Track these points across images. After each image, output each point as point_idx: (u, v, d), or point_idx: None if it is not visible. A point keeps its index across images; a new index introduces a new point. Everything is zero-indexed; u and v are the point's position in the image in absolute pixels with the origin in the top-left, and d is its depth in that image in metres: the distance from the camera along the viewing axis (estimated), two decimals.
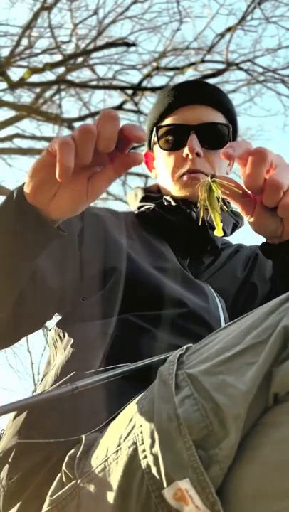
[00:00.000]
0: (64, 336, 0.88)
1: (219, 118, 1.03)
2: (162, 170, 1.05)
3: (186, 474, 0.47)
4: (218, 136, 1.00)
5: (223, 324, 0.85)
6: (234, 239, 1.13)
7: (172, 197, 1.00)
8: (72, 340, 0.84)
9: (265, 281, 1.00)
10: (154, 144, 1.06)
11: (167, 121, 1.03)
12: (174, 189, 1.00)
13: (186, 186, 0.98)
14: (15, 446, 0.70)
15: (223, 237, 1.05)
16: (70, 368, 0.77)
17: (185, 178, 0.98)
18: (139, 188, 1.12)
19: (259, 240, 0.81)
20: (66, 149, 0.59)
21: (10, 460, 0.69)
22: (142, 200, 1.07)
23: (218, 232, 0.74)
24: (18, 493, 0.66)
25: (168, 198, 1.00)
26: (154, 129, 1.04)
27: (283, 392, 0.47)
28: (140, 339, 0.80)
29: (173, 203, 0.99)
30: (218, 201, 0.71)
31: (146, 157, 1.13)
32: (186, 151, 0.97)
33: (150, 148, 1.11)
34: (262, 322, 0.51)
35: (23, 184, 0.68)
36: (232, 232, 1.07)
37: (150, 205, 1.02)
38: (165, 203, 1.00)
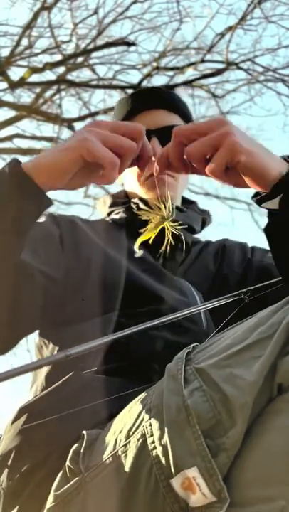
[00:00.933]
0: (49, 342, 0.89)
1: (176, 120, 1.07)
2: (128, 175, 1.09)
3: (194, 462, 0.48)
4: None
5: (203, 317, 0.89)
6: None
7: (140, 199, 1.04)
8: (57, 347, 0.86)
9: (234, 271, 1.04)
10: None
11: None
12: (141, 192, 1.05)
13: (153, 188, 1.01)
14: (15, 446, 0.71)
15: (193, 235, 1.10)
16: (57, 374, 0.78)
17: (150, 180, 1.01)
18: (107, 195, 1.16)
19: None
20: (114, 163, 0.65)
21: (10, 460, 0.70)
22: (110, 206, 1.11)
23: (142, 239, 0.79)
24: (19, 492, 0.67)
25: (135, 200, 1.04)
26: None
27: (287, 382, 0.50)
28: (128, 337, 0.80)
29: (141, 205, 1.02)
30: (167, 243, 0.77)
31: None
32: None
33: None
34: (267, 319, 0.54)
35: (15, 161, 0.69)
36: (201, 228, 1.12)
37: (119, 210, 1.07)
38: (133, 206, 1.04)
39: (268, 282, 0.84)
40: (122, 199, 1.12)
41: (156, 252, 1.00)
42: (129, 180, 1.11)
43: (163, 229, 0.84)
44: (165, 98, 1.09)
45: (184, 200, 1.16)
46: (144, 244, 0.99)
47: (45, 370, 0.83)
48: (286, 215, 0.73)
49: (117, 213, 1.08)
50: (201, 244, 1.12)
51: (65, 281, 0.89)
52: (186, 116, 1.10)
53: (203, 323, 0.88)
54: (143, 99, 1.09)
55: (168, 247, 0.78)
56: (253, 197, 0.77)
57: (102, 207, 1.14)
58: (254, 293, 0.83)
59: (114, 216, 1.08)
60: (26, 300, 0.82)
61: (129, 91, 5.91)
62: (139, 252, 0.98)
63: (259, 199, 0.74)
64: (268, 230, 0.77)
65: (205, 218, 1.13)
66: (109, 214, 1.11)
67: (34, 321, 0.89)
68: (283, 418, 0.49)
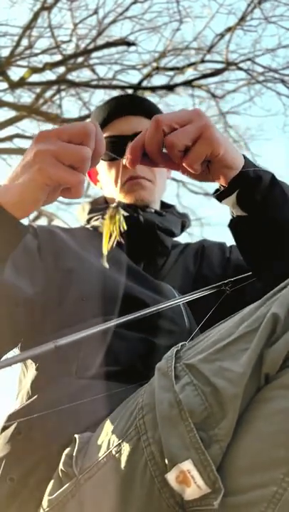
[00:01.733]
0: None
1: None
2: (106, 181, 1.10)
3: (188, 455, 0.49)
4: None
5: (186, 318, 0.90)
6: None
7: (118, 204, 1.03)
8: (37, 363, 0.84)
9: (214, 271, 1.04)
10: None
11: (104, 134, 1.06)
12: (119, 197, 1.05)
13: (130, 192, 1.04)
14: (6, 455, 0.71)
15: (173, 238, 1.10)
16: (44, 380, 0.79)
17: (128, 185, 1.04)
18: (86, 202, 1.16)
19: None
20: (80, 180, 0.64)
21: (10, 460, 0.70)
22: (89, 213, 1.11)
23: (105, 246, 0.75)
24: (16, 493, 0.67)
25: (113, 205, 1.03)
26: None
27: (273, 371, 0.51)
28: (113, 341, 0.81)
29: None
30: (119, 226, 0.74)
31: (89, 172, 1.17)
32: (125, 160, 0.99)
33: None
34: (252, 314, 0.55)
35: None
36: (181, 231, 1.12)
37: (98, 216, 1.08)
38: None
39: (249, 274, 0.87)
40: (101, 205, 1.13)
41: (136, 256, 1.01)
42: (106, 185, 1.11)
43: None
44: (140, 104, 1.11)
45: (163, 205, 1.16)
46: (127, 248, 1.00)
47: (30, 377, 0.82)
48: (245, 211, 0.77)
49: (96, 219, 1.08)
50: (180, 247, 1.13)
51: (46, 293, 0.88)
52: None
53: (186, 323, 0.89)
54: (119, 106, 1.10)
55: (122, 237, 0.75)
56: (213, 193, 0.80)
57: (81, 214, 1.14)
58: (235, 284, 0.85)
59: (93, 223, 1.09)
60: (5, 318, 0.82)
61: (129, 91, 5.93)
62: (120, 255, 0.98)
63: (219, 195, 0.78)
64: (231, 225, 0.82)
65: (184, 221, 1.13)
66: (88, 221, 1.11)
67: (16, 337, 0.89)
68: (271, 405, 0.49)
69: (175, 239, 1.13)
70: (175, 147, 0.67)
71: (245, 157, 0.78)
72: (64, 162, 0.63)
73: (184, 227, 1.13)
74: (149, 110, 1.09)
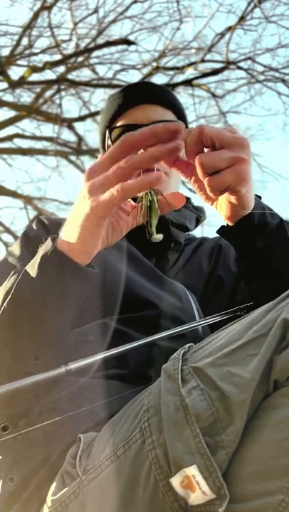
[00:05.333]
0: None
1: (169, 116, 1.04)
2: None
3: (193, 461, 0.48)
4: None
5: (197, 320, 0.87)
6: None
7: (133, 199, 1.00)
8: None
9: (231, 271, 1.01)
10: (109, 147, 1.05)
11: (119, 123, 1.04)
12: None
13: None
14: (15, 447, 0.70)
15: (187, 232, 1.06)
16: (44, 381, 0.76)
17: (143, 176, 0.98)
18: None
19: None
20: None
21: (10, 461, 0.70)
22: None
23: (154, 237, 0.74)
24: (18, 493, 0.67)
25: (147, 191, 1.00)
26: (107, 131, 1.04)
27: (283, 378, 0.50)
28: (118, 342, 0.78)
29: (133, 203, 0.99)
30: (156, 211, 0.73)
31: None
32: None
33: (105, 151, 1.10)
34: (262, 318, 0.54)
35: (53, 239, 0.69)
36: (195, 226, 1.08)
37: None
38: None
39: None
40: None
41: (148, 252, 0.98)
42: None
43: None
44: (157, 92, 1.06)
45: None
46: (139, 244, 0.97)
47: None
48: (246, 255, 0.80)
49: None
50: (195, 243, 1.09)
51: None
52: (179, 113, 1.07)
53: (199, 328, 0.87)
54: (135, 94, 1.06)
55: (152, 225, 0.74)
56: (218, 231, 0.82)
57: None
58: (250, 310, 0.81)
59: None
60: None
61: None
62: (132, 251, 0.95)
63: (223, 232, 0.81)
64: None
65: (199, 216, 1.09)
66: None
67: None
68: (279, 413, 0.49)
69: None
70: (204, 168, 0.65)
71: (256, 197, 0.77)
72: (109, 187, 0.63)
73: (198, 221, 1.09)
74: (166, 99, 1.06)
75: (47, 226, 0.97)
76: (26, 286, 0.68)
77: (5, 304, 0.68)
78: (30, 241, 0.92)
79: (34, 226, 0.98)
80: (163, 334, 0.71)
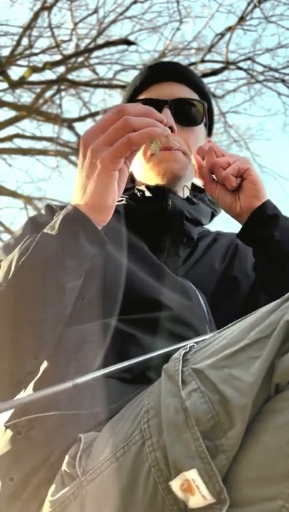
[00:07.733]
0: None
1: (194, 96, 1.02)
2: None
3: (193, 465, 0.48)
4: (193, 113, 0.99)
5: (207, 325, 0.85)
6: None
7: (146, 186, 0.96)
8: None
9: (247, 274, 0.98)
10: None
11: (140, 97, 1.03)
12: (145, 168, 0.97)
13: (161, 162, 0.95)
14: (15, 447, 0.70)
15: (200, 226, 1.03)
16: (44, 382, 0.75)
17: (160, 154, 0.91)
18: None
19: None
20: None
21: (10, 460, 0.69)
22: None
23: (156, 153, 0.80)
24: (17, 493, 0.66)
25: (141, 187, 0.97)
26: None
27: (284, 382, 0.49)
28: (124, 345, 0.78)
29: (147, 193, 0.96)
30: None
31: None
32: None
33: None
34: (265, 319, 0.53)
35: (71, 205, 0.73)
36: (210, 220, 1.06)
37: (122, 198, 0.98)
38: (138, 194, 0.96)
39: None
40: (127, 184, 0.99)
41: (158, 246, 0.94)
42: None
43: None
44: (185, 73, 1.05)
45: (194, 187, 1.08)
46: (150, 238, 0.94)
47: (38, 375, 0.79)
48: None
49: (120, 200, 0.96)
50: (208, 238, 1.06)
51: None
52: (205, 96, 1.05)
53: (208, 330, 0.85)
54: (163, 70, 1.04)
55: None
56: (237, 235, 0.90)
57: None
58: None
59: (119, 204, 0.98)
60: None
61: None
62: (141, 246, 0.93)
63: (241, 235, 0.90)
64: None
65: (215, 210, 1.06)
66: None
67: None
68: (280, 417, 0.48)
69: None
70: (217, 165, 0.88)
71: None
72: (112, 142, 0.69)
73: (213, 216, 1.06)
74: (193, 79, 1.04)
75: (55, 211, 0.94)
76: (47, 243, 0.70)
77: (19, 264, 0.69)
78: (40, 226, 0.88)
79: (43, 212, 0.96)
80: (177, 346, 0.69)
